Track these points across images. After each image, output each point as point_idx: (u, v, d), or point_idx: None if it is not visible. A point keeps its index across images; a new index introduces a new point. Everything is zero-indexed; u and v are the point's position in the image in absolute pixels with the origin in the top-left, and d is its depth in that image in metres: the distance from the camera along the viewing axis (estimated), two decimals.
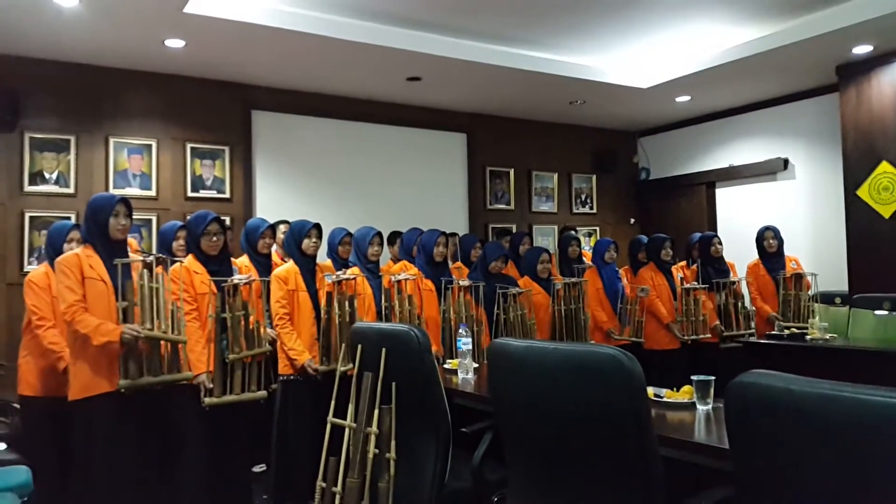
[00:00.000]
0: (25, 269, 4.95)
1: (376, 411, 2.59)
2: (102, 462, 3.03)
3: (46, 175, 5.25)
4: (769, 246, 5.40)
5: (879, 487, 1.18)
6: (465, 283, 4.47)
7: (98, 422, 3.04)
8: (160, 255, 3.27)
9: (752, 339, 5.08)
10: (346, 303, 3.82)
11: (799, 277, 5.24)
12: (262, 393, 3.46)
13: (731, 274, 5.58)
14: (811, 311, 4.90)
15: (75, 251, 3.18)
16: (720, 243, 5.62)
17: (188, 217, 3.88)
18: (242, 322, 3.40)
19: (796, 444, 1.28)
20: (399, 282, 4.14)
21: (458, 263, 5.22)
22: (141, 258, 3.18)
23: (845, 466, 1.22)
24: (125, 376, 3.01)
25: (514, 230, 7.13)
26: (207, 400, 3.27)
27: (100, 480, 3.02)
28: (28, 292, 3.59)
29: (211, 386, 3.30)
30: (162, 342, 3.14)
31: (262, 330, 3.53)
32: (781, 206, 7.05)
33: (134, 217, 3.31)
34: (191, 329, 3.36)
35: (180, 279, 3.38)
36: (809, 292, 5.20)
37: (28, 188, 5.18)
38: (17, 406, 3.81)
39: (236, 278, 3.47)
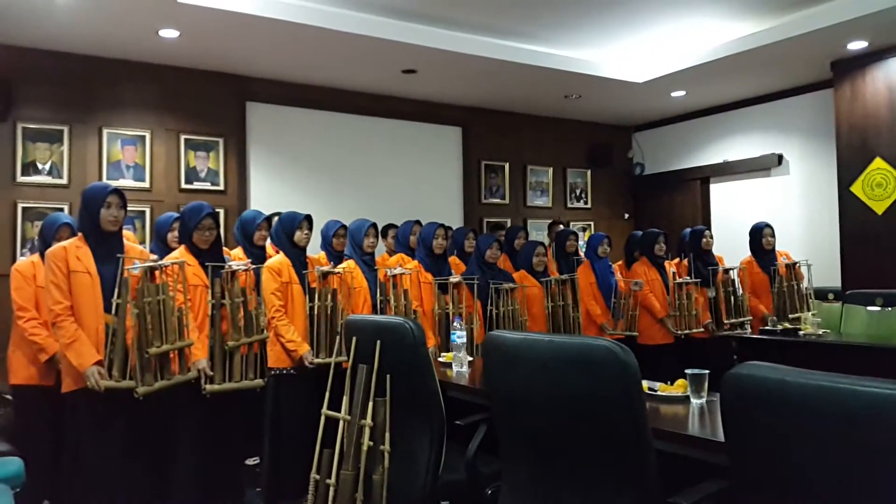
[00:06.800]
0: (18, 260, 4.91)
1: (371, 403, 2.59)
2: (93, 453, 3.01)
3: (39, 165, 5.22)
4: (767, 243, 5.31)
5: (875, 477, 1.18)
6: (456, 279, 4.45)
7: (90, 413, 3.02)
8: (158, 262, 3.19)
9: (747, 332, 5.07)
10: (329, 296, 3.80)
11: (793, 267, 5.21)
12: (260, 381, 3.43)
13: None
14: (808, 303, 4.88)
15: (63, 243, 3.10)
16: (711, 237, 5.58)
17: (182, 208, 3.85)
18: (242, 309, 3.38)
19: (791, 435, 1.29)
20: (395, 275, 4.13)
21: (454, 258, 5.20)
22: (150, 264, 3.10)
23: (840, 457, 1.22)
24: (141, 382, 2.98)
25: (509, 224, 7.13)
26: (209, 387, 3.22)
27: (91, 472, 3.01)
28: (12, 281, 3.58)
29: (212, 373, 3.26)
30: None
31: (260, 317, 3.51)
32: (775, 201, 7.07)
33: (128, 209, 3.27)
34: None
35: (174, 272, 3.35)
36: (804, 283, 5.18)
37: (21, 178, 5.15)
38: (9, 397, 3.80)
39: (234, 265, 3.45)
